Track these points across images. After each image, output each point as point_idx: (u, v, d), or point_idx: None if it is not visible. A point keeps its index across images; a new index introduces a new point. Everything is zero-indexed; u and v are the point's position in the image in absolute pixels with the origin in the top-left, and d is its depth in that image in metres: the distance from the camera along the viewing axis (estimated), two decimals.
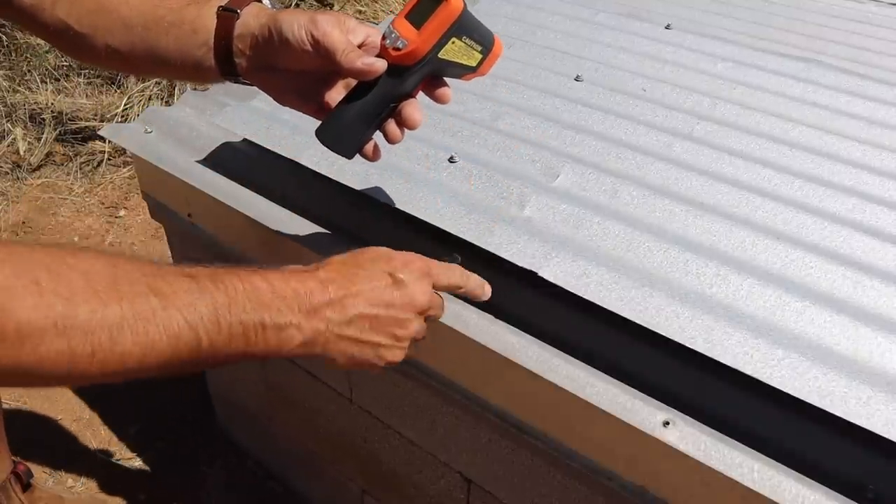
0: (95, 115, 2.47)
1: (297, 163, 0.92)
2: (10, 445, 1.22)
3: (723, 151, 0.91)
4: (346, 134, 0.68)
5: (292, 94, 0.72)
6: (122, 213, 2.24)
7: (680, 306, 0.69)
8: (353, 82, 0.69)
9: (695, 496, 0.65)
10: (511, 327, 0.74)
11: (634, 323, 0.69)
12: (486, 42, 0.68)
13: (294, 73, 0.69)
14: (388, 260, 0.64)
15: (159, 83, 2.52)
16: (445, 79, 0.70)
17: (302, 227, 0.90)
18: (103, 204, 2.26)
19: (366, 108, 0.67)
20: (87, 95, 2.56)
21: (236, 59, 0.69)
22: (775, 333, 0.67)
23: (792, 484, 0.60)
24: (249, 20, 0.67)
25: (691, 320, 0.68)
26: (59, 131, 2.46)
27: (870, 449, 0.62)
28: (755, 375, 0.64)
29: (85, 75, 2.61)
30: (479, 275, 0.72)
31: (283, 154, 0.94)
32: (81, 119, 2.46)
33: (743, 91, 1.05)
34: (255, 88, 0.74)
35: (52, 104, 2.51)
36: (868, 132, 0.97)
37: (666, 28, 1.25)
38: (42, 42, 2.66)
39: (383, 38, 0.65)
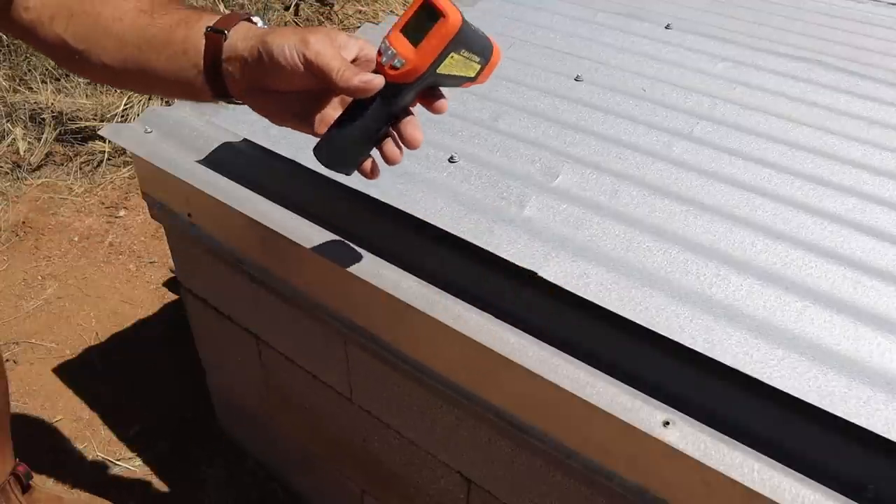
0: (95, 115, 2.47)
1: (297, 163, 0.92)
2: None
3: (723, 151, 0.91)
4: (344, 153, 0.66)
5: (287, 115, 0.70)
6: (122, 213, 2.23)
7: (680, 306, 0.69)
8: (348, 99, 0.67)
9: (695, 496, 0.65)
10: (511, 327, 0.74)
11: (634, 323, 0.69)
12: (485, 52, 0.65)
13: (286, 94, 0.67)
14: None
15: None
16: (442, 89, 0.68)
17: (302, 227, 0.90)
18: (103, 204, 2.26)
19: (363, 126, 0.65)
20: (87, 95, 2.56)
21: (227, 80, 0.68)
22: (775, 333, 0.67)
23: (792, 484, 0.60)
24: (237, 42, 0.66)
25: (691, 320, 0.68)
26: (59, 131, 2.46)
27: (870, 449, 0.62)
28: (755, 375, 0.64)
29: None
30: (479, 274, 0.72)
31: (283, 154, 0.94)
32: (81, 119, 2.46)
33: (743, 91, 1.05)
34: None
35: (52, 104, 2.51)
36: (868, 132, 0.97)
37: (666, 28, 1.25)
38: None
39: (379, 53, 0.63)
